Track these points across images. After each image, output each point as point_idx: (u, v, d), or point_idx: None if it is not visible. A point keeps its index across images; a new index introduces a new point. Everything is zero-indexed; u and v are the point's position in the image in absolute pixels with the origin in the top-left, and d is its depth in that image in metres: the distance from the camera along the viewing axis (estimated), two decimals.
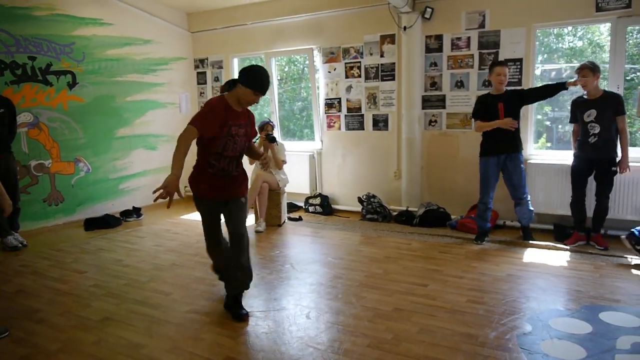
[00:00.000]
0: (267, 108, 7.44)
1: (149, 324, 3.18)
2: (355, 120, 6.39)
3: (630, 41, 5.14)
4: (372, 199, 6.02)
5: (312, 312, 3.30)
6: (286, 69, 7.89)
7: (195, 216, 6.43)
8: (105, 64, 6.44)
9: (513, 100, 4.68)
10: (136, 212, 6.43)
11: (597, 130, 4.44)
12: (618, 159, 4.49)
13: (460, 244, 4.86)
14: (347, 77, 6.38)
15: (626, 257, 4.29)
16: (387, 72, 6.11)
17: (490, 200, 4.83)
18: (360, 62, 6.27)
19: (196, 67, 7.71)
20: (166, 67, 7.29)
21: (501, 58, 5.34)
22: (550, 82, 4.82)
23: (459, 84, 5.66)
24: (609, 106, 4.41)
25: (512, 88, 4.98)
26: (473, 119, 4.97)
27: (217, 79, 7.53)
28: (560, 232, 4.92)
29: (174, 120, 7.38)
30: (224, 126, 3.02)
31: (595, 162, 4.50)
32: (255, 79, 3.02)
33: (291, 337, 2.96)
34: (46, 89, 5.83)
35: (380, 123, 6.22)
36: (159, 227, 5.93)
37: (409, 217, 5.71)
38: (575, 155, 4.66)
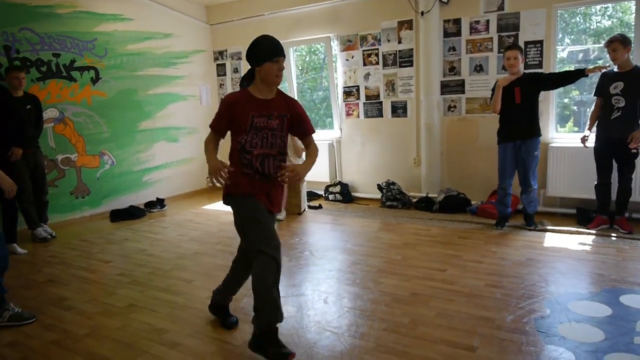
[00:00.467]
0: None
1: (172, 310, 3.28)
2: (373, 108, 6.38)
3: None
4: (391, 186, 6.02)
5: (330, 297, 3.34)
6: (307, 59, 7.91)
7: (218, 205, 6.57)
8: (126, 58, 6.56)
9: (530, 85, 4.56)
10: (160, 203, 6.58)
11: (621, 104, 4.34)
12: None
13: (480, 230, 4.83)
14: (365, 64, 6.36)
15: None
16: (405, 59, 6.07)
17: (509, 185, 4.76)
18: (377, 49, 6.24)
19: (215, 59, 7.79)
20: (186, 60, 7.38)
21: (521, 40, 5.26)
22: (569, 69, 4.69)
23: (478, 68, 5.59)
24: (638, 80, 4.29)
25: (532, 71, 4.88)
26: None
27: (236, 70, 7.59)
28: (583, 216, 4.85)
29: (195, 112, 7.49)
30: (245, 118, 2.58)
31: (616, 142, 4.39)
32: (264, 49, 2.57)
33: (309, 321, 3.01)
34: (70, 85, 5.98)
35: (399, 110, 6.19)
36: (181, 217, 6.05)
37: (429, 203, 5.70)
38: (596, 137, 4.57)
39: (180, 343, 2.81)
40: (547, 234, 4.59)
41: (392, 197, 5.96)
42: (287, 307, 3.20)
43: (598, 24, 5.76)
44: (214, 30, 7.68)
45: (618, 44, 4.25)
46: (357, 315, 3.06)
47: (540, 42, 5.21)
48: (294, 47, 7.14)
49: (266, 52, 2.56)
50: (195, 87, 7.56)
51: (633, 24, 4.95)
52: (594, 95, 4.64)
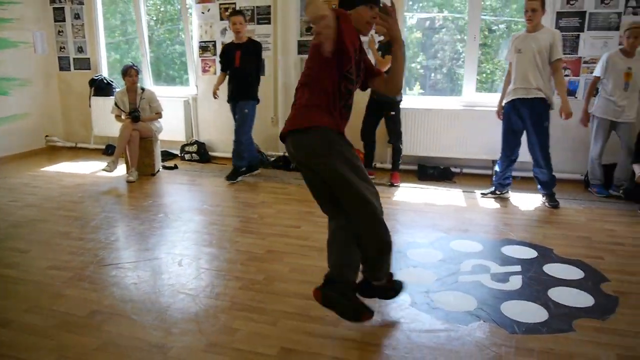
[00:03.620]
0: (135, 52, 6.96)
1: (3, 285, 2.95)
2: None
3: None
4: None
5: (185, 260, 3.28)
6: (162, 9, 7.39)
7: (60, 166, 5.97)
8: None
9: (251, 50, 5.07)
10: None
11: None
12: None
13: None
14: (222, 19, 6.12)
15: (474, 192, 4.80)
16: (262, 15, 5.97)
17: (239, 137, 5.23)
18: (235, 3, 6.04)
19: (52, 1, 6.89)
20: (15, 0, 6.40)
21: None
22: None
23: None
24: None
25: (256, 40, 5.30)
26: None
27: (77, 16, 6.82)
28: (422, 172, 5.34)
29: (28, 61, 6.64)
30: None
31: (381, 104, 4.91)
32: None
33: (162, 285, 2.93)
34: None
35: None
36: (15, 181, 5.39)
37: (286, 162, 5.81)
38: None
39: (14, 320, 2.55)
40: (393, 188, 4.99)
41: None
42: (139, 272, 3.08)
43: None
44: None
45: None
46: (213, 275, 3.05)
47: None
48: None
49: None
50: (29, 33, 6.64)
51: None
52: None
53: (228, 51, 5.19)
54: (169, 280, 2.99)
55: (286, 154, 5.90)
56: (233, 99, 5.19)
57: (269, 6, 5.90)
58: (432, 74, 6.70)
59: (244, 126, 5.17)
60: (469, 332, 2.40)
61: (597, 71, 4.60)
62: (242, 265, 3.19)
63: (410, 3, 5.72)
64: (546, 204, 4.39)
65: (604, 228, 3.86)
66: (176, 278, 3.02)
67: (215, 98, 5.35)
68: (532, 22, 4.15)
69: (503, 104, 4.48)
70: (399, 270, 3.08)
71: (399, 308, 2.64)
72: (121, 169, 5.47)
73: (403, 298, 2.73)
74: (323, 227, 3.80)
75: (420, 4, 6.09)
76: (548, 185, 4.41)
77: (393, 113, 4.93)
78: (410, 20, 5.87)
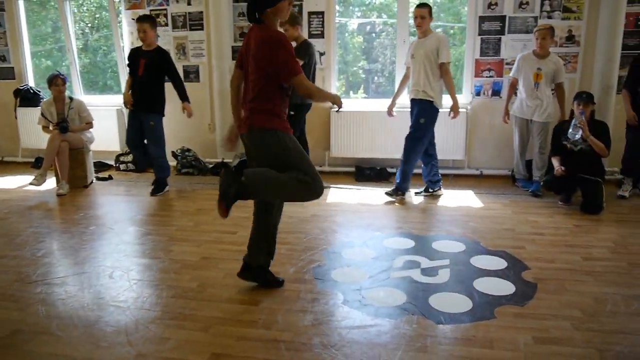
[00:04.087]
0: (64, 61, 6.71)
1: None
2: None
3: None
4: (186, 153, 5.93)
5: (116, 272, 3.19)
6: (97, 16, 7.18)
7: None
8: None
9: (156, 60, 4.81)
10: None
11: None
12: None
13: None
14: None
15: (409, 191, 4.94)
16: (195, 22, 5.93)
17: (131, 147, 5.16)
18: (166, 9, 5.97)
19: None
20: None
21: (305, 10, 5.57)
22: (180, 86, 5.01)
23: None
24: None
25: (165, 50, 5.12)
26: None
27: None
28: (360, 173, 5.45)
29: None
30: None
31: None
32: None
33: (91, 299, 2.84)
34: None
35: (191, 74, 6.05)
36: None
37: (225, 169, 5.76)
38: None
39: None
40: (331, 190, 5.06)
41: (188, 164, 5.88)
42: (67, 288, 2.98)
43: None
44: None
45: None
46: (145, 286, 2.99)
47: (322, 13, 5.57)
48: (74, 1, 6.39)
49: None
50: None
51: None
52: None
53: (133, 57, 4.88)
54: (99, 293, 2.91)
55: (225, 160, 5.87)
56: (138, 110, 4.85)
57: (201, 12, 5.86)
58: (375, 77, 6.86)
59: (160, 146, 4.96)
60: (397, 326, 2.48)
61: (513, 72, 4.88)
62: (175, 274, 3.15)
63: (351, 8, 5.84)
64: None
65: (527, 220, 4.09)
66: (106, 291, 2.94)
67: (127, 107, 4.98)
68: (421, 28, 4.38)
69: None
70: (334, 269, 3.14)
71: (331, 307, 2.69)
72: (51, 182, 5.25)
73: (336, 297, 2.78)
74: None
75: (362, 8, 6.23)
76: (399, 176, 4.61)
77: (292, 113, 4.86)
78: (351, 25, 6.00)
